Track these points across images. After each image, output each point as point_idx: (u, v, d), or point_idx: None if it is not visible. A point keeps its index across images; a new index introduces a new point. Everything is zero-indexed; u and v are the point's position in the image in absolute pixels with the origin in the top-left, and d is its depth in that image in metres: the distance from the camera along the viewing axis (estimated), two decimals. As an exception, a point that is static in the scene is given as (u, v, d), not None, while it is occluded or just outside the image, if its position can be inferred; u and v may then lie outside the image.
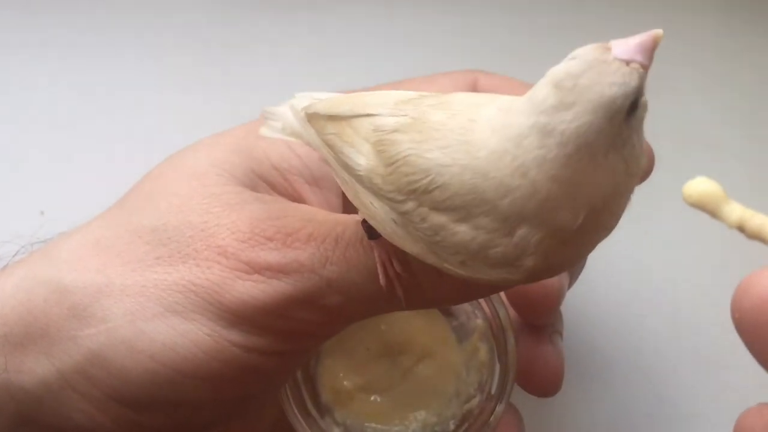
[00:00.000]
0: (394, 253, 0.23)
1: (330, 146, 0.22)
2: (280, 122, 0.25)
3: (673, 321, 0.39)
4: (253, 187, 0.27)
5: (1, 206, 0.39)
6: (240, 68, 0.42)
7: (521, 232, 0.19)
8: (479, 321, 0.32)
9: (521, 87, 0.30)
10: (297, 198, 0.27)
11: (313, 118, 0.23)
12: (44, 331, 0.24)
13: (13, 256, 0.28)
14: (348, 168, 0.22)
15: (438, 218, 0.20)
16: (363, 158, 0.21)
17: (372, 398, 0.32)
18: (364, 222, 0.23)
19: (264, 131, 0.26)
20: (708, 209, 0.15)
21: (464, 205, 0.19)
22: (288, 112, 0.25)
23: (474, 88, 0.30)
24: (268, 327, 0.24)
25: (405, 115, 0.21)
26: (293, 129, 0.25)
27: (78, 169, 0.40)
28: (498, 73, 0.31)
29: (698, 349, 0.38)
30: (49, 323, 0.24)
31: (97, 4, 0.43)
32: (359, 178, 0.21)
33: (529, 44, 0.43)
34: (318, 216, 0.25)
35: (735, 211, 0.15)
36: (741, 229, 0.15)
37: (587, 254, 0.20)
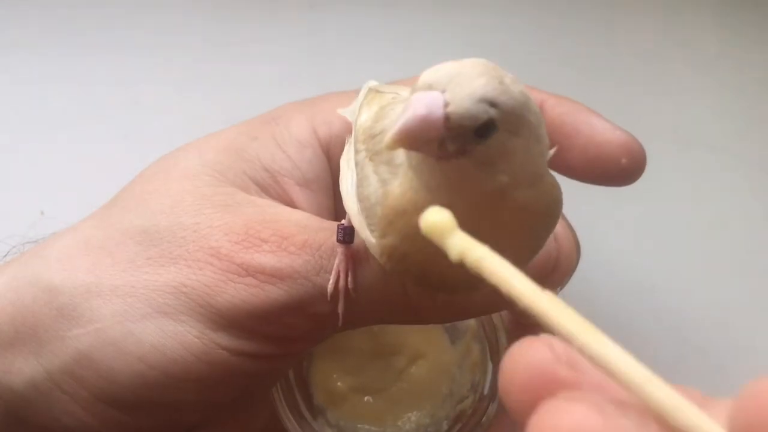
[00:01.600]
0: (352, 267, 0.24)
1: (359, 112, 0.24)
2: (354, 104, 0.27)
3: (673, 320, 0.39)
4: (245, 189, 0.27)
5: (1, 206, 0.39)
6: (239, 68, 0.42)
7: (378, 192, 0.20)
8: (471, 321, 0.32)
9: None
10: (287, 200, 0.27)
11: (369, 91, 0.25)
12: (33, 331, 0.24)
13: (4, 256, 0.28)
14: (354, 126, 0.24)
15: (368, 168, 0.21)
16: (365, 116, 0.23)
17: (365, 399, 0.32)
18: (341, 225, 0.24)
19: (341, 111, 0.27)
20: (435, 240, 0.15)
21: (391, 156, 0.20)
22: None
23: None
24: (258, 331, 0.24)
25: None
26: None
27: (77, 169, 0.40)
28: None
29: (699, 347, 0.38)
30: (37, 323, 0.24)
31: (97, 3, 0.43)
32: (356, 134, 0.23)
33: (528, 44, 0.43)
34: (312, 223, 0.25)
35: (457, 244, 0.15)
36: (462, 261, 0.15)
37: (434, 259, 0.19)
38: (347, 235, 0.24)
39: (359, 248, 0.24)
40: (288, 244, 0.24)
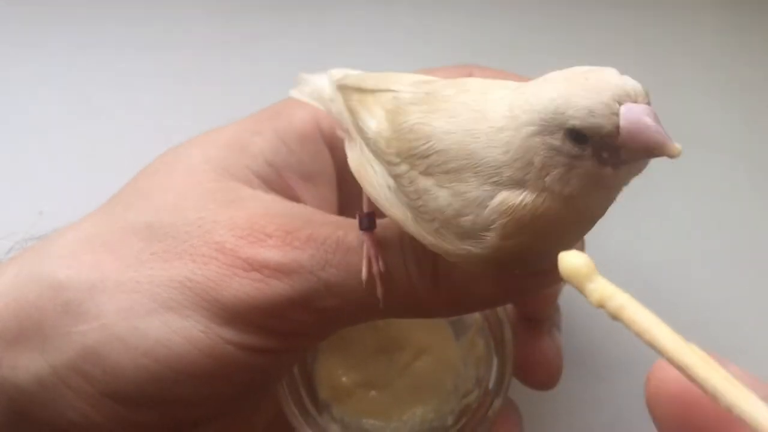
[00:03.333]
0: (381, 252, 0.24)
1: (351, 112, 0.24)
2: (309, 88, 0.27)
3: (674, 317, 0.39)
4: (248, 183, 0.27)
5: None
6: (239, 66, 0.42)
7: (493, 205, 0.20)
8: (476, 315, 0.31)
9: (515, 80, 0.30)
10: (291, 194, 0.27)
11: (343, 88, 0.25)
12: (38, 328, 0.24)
13: (7, 253, 0.28)
14: (360, 131, 0.23)
15: (424, 182, 0.21)
16: (374, 122, 0.23)
17: (370, 394, 0.32)
18: (360, 212, 0.24)
19: (294, 93, 0.28)
20: (574, 284, 0.15)
21: (458, 168, 0.20)
22: (319, 80, 0.27)
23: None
24: (263, 326, 0.24)
25: (421, 92, 0.22)
26: (320, 95, 0.27)
27: (77, 168, 0.40)
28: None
29: (699, 344, 0.38)
30: (42, 319, 0.24)
31: (97, 3, 0.43)
32: (367, 141, 0.23)
33: (529, 44, 0.43)
34: (316, 217, 0.25)
35: (597, 290, 0.14)
36: (602, 307, 0.14)
37: (548, 248, 0.20)
38: (371, 222, 0.24)
39: (382, 234, 0.24)
40: (292, 238, 0.24)
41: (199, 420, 0.26)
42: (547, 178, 0.19)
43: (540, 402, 0.35)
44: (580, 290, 0.15)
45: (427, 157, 0.21)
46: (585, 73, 0.19)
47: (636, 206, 0.40)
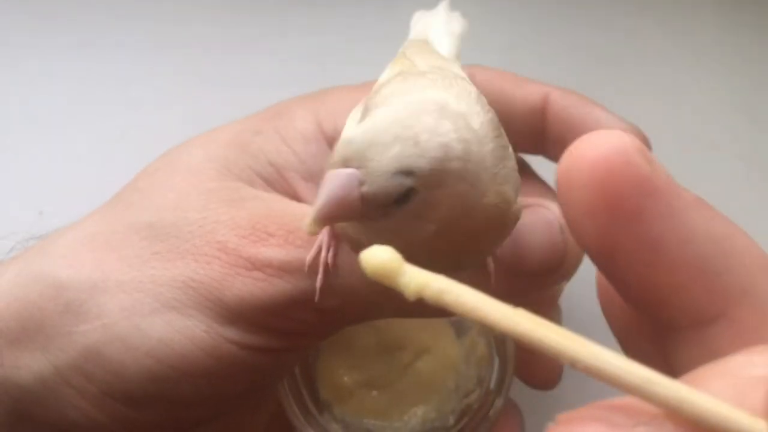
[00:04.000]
0: (336, 244, 0.24)
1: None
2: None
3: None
4: (250, 183, 0.27)
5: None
6: (239, 65, 0.42)
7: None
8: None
9: (516, 80, 0.30)
10: (293, 194, 0.27)
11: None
12: (40, 327, 0.24)
13: (9, 252, 0.27)
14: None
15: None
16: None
17: (371, 394, 0.32)
18: None
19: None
20: (384, 282, 0.14)
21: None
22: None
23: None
24: (266, 325, 0.24)
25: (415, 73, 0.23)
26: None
27: (76, 168, 0.40)
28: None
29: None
30: (44, 319, 0.24)
31: (96, 2, 0.43)
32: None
33: (531, 43, 0.43)
34: None
35: (411, 281, 0.13)
36: (421, 297, 0.13)
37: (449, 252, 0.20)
38: None
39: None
40: (294, 237, 0.24)
41: (201, 419, 0.26)
42: None
43: (541, 402, 0.35)
44: (394, 286, 0.14)
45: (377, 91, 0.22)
46: None
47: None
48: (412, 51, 0.26)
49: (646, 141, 0.29)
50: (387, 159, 0.18)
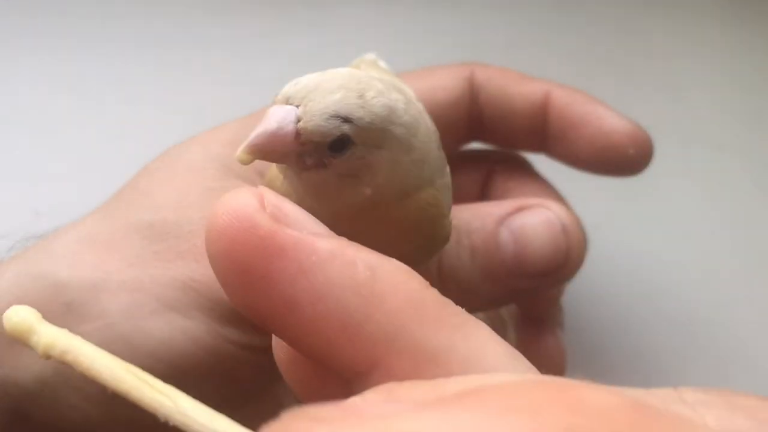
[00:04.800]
0: None
1: None
2: None
3: (676, 316, 0.39)
4: (251, 182, 0.26)
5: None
6: (238, 64, 0.42)
7: None
8: (479, 315, 0.31)
9: (517, 78, 0.30)
10: None
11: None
12: None
13: (8, 252, 0.27)
14: None
15: None
16: None
17: (372, 393, 0.31)
18: None
19: None
20: (21, 341, 0.14)
21: None
22: None
23: (471, 79, 0.30)
24: None
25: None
26: None
27: (75, 168, 0.40)
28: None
29: (703, 344, 0.38)
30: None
31: (96, 1, 0.43)
32: None
33: (533, 41, 0.43)
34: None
35: (40, 342, 0.14)
36: (48, 357, 0.14)
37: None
38: None
39: None
40: None
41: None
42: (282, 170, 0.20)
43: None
44: (27, 344, 0.14)
45: None
46: None
47: (637, 206, 0.40)
48: (365, 65, 0.26)
49: (648, 139, 0.28)
50: (327, 101, 0.18)
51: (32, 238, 0.28)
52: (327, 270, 0.14)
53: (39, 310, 0.23)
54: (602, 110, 0.29)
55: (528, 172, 0.31)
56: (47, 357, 0.14)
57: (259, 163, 0.27)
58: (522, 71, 0.31)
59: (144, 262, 0.24)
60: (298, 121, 0.18)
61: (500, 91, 0.29)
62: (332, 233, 0.15)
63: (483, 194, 0.31)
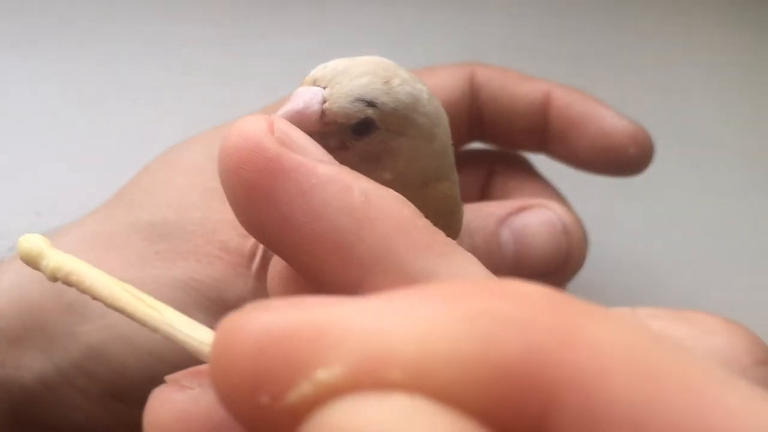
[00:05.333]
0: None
1: None
2: None
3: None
4: None
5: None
6: (239, 64, 0.42)
7: None
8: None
9: (518, 78, 0.30)
10: None
11: None
12: (42, 327, 0.24)
13: (8, 252, 0.27)
14: None
15: None
16: None
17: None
18: None
19: None
20: (33, 266, 0.16)
21: None
22: None
23: (471, 79, 0.30)
24: None
25: None
26: None
27: (75, 168, 0.39)
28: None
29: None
30: (46, 318, 0.24)
31: (96, 1, 0.43)
32: None
33: (533, 42, 0.43)
34: None
35: (48, 265, 0.15)
36: (56, 279, 0.15)
37: None
38: None
39: None
40: None
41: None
42: None
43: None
44: (37, 269, 0.16)
45: None
46: None
47: (637, 206, 0.40)
48: None
49: (649, 139, 0.29)
50: (353, 85, 0.18)
51: (33, 238, 0.27)
52: (324, 193, 0.15)
53: (40, 309, 0.24)
54: (602, 110, 0.29)
55: (529, 172, 0.31)
56: (54, 279, 0.15)
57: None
58: (522, 71, 0.31)
59: (145, 262, 0.24)
60: (324, 102, 0.18)
61: (501, 91, 0.29)
62: (336, 162, 0.15)
63: (483, 194, 0.31)
